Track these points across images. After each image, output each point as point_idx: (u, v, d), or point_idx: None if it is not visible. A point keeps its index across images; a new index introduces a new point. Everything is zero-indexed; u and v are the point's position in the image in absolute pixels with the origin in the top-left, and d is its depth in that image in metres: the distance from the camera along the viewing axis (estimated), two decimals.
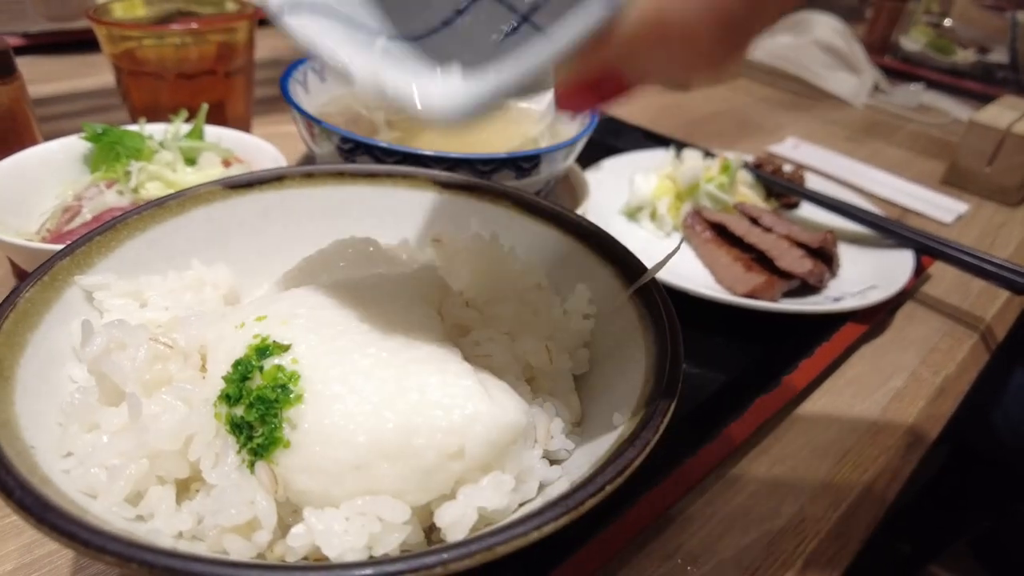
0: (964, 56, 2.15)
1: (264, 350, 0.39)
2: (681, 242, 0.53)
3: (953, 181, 1.34)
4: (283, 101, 0.80)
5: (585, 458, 0.42)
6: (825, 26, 1.81)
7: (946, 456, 1.41)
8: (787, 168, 1.13)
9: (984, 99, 1.57)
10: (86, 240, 0.51)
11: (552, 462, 0.43)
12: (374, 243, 0.56)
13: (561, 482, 0.40)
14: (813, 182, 1.13)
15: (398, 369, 0.38)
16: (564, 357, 0.49)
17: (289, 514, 0.37)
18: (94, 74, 1.31)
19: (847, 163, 1.37)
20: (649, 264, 0.52)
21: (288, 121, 0.83)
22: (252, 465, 0.37)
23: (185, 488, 0.39)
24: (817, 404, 0.77)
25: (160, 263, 0.54)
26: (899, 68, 2.00)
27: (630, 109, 1.47)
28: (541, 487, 0.40)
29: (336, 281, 0.49)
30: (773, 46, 1.85)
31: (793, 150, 1.41)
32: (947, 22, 2.35)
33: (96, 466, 0.36)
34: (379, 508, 0.35)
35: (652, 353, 0.46)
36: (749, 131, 1.53)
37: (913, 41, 2.16)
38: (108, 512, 0.35)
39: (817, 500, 0.65)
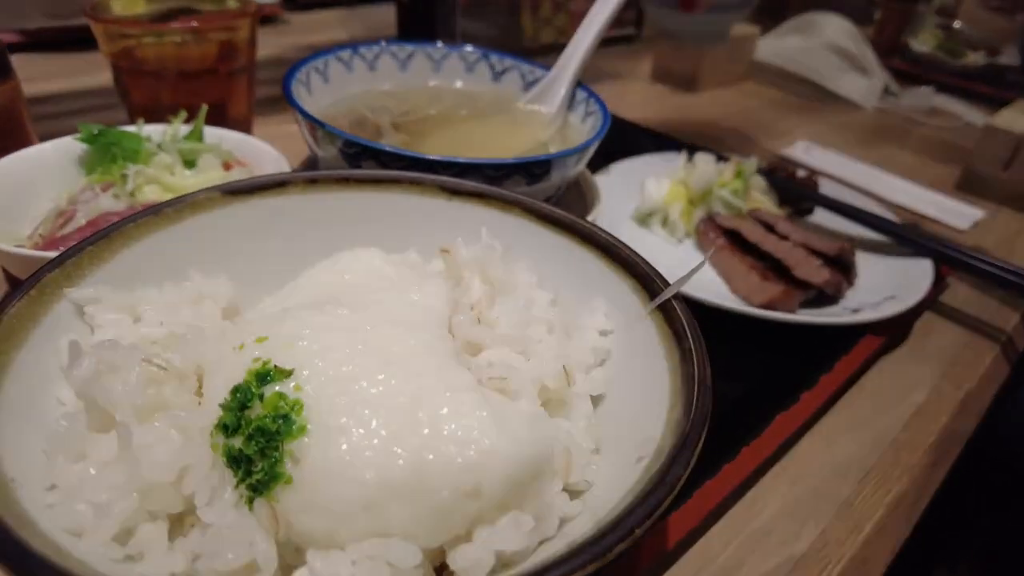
0: (974, 59, 2.12)
1: (265, 375, 0.36)
2: (707, 257, 0.50)
3: (968, 187, 1.32)
4: (285, 102, 0.78)
5: (607, 491, 0.39)
6: (835, 27, 1.78)
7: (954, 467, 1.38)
8: (800, 173, 1.10)
9: (995, 102, 1.54)
10: (77, 250, 0.49)
11: (571, 493, 0.40)
12: (380, 255, 0.53)
13: (583, 519, 0.37)
14: (826, 187, 1.10)
15: (408, 398, 0.36)
16: (582, 378, 0.46)
17: (291, 556, 0.34)
18: (93, 73, 1.28)
19: (859, 168, 1.35)
20: (667, 274, 0.49)
21: (290, 121, 0.81)
22: (251, 502, 0.34)
23: (179, 522, 0.37)
24: (836, 419, 0.74)
25: (156, 274, 0.52)
26: (908, 70, 1.97)
27: (636, 113, 1.44)
28: (561, 523, 0.38)
29: (341, 299, 0.46)
30: (781, 48, 1.82)
31: (804, 154, 1.38)
32: (956, 24, 2.32)
33: (83, 502, 0.34)
34: (388, 551, 0.32)
35: (678, 375, 0.43)
36: (758, 135, 1.50)
37: (922, 43, 2.13)
38: (94, 553, 0.32)
39: (839, 522, 0.63)
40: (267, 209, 0.58)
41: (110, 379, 0.37)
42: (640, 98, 1.59)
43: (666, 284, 0.50)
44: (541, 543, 0.36)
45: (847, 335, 0.81)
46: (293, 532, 0.34)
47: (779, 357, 0.78)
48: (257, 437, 0.34)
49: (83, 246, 0.49)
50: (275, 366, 0.37)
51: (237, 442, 0.35)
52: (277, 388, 0.36)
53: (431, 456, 0.34)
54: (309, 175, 0.60)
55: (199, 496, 0.34)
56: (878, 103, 1.74)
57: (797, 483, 0.66)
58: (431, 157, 0.66)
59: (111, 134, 0.82)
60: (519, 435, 0.35)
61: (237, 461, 0.34)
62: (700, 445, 0.37)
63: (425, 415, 0.35)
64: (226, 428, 0.35)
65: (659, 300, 0.48)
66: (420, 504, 0.33)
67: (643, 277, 0.51)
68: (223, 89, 1.06)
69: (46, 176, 0.79)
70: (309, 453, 0.34)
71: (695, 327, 0.46)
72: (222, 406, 0.36)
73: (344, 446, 0.34)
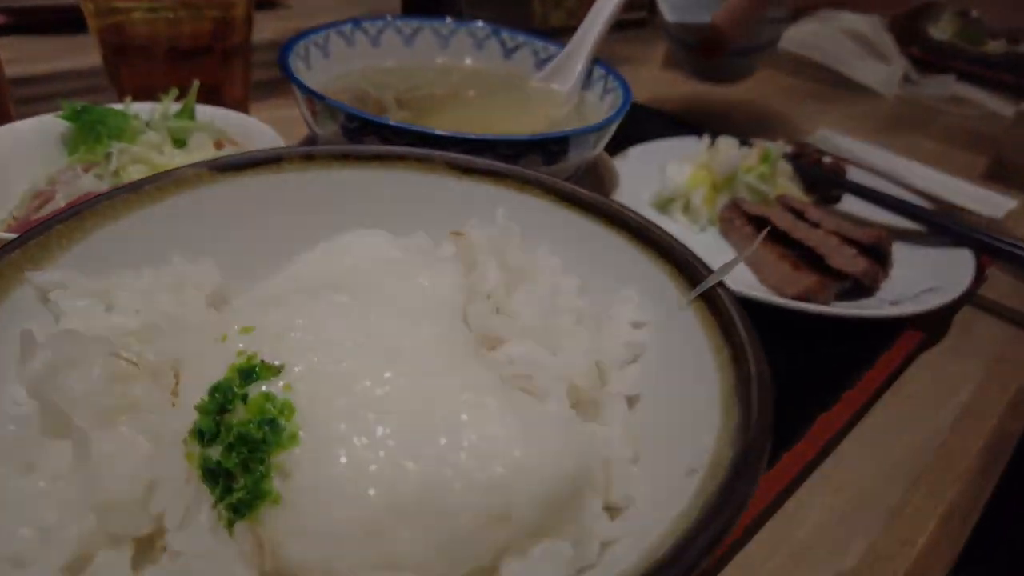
0: (994, 47, 2.06)
1: (249, 372, 0.31)
2: (760, 238, 0.44)
3: (998, 175, 1.26)
4: (283, 85, 0.72)
5: (652, 510, 0.33)
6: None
7: None
8: (827, 159, 1.04)
9: (1017, 91, 1.47)
10: (43, 230, 0.43)
11: (610, 512, 0.34)
12: (386, 237, 0.48)
13: (626, 544, 0.31)
14: (853, 175, 1.04)
15: (421, 401, 0.30)
16: (615, 376, 0.41)
17: None
18: (81, 55, 1.22)
19: (884, 156, 1.29)
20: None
21: (288, 106, 0.75)
22: (231, 525, 0.28)
23: (148, 546, 0.31)
24: (879, 421, 0.68)
25: (133, 258, 0.46)
26: (927, 58, 1.91)
27: (648, 99, 1.38)
28: (601, 548, 0.32)
29: (340, 284, 0.40)
30: (798, 34, 1.75)
31: (826, 142, 1.32)
32: (974, 12, 2.26)
33: (28, 524, 0.28)
34: None
35: (730, 372, 0.37)
36: (775, 123, 1.44)
37: (941, 31, 2.07)
38: None
39: (890, 534, 0.57)
40: (259, 188, 0.52)
41: (68, 375, 0.32)
42: (652, 84, 1.53)
43: (708, 270, 0.44)
44: (580, 573, 0.30)
45: (885, 330, 0.76)
46: (281, 562, 0.28)
47: (814, 353, 0.72)
48: (239, 447, 0.28)
49: (50, 225, 0.44)
50: (262, 361, 0.31)
51: (215, 452, 0.29)
52: (264, 388, 0.30)
53: (449, 472, 0.28)
54: (306, 150, 0.54)
55: (170, 517, 0.29)
56: (898, 91, 1.68)
57: (841, 491, 0.60)
58: (439, 132, 0.61)
59: (96, 112, 0.76)
60: (555, 445, 0.30)
61: (215, 475, 0.29)
62: (766, 456, 0.32)
63: (441, 421, 0.29)
64: (202, 435, 0.29)
65: (702, 288, 0.43)
66: (435, 531, 0.27)
67: (682, 263, 0.45)
68: (218, 69, 1.01)
69: (25, 156, 0.74)
70: (301, 467, 0.28)
71: (746, 318, 0.40)
72: (198, 408, 0.30)
73: (343, 459, 0.28)
